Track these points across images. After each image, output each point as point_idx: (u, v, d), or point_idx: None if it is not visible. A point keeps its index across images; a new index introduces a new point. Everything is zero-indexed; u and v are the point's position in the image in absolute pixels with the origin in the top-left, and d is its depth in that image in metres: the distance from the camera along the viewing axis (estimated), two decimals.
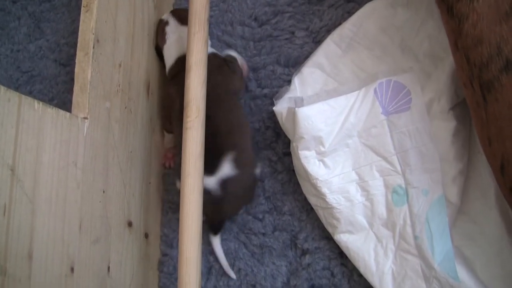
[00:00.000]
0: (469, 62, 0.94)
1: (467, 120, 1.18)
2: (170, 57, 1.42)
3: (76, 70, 1.18)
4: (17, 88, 1.80)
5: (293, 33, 1.43)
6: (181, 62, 1.31)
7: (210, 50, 1.37)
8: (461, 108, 1.17)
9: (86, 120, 1.13)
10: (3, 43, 1.89)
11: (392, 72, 1.22)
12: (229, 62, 1.40)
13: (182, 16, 1.44)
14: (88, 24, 1.19)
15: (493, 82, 0.89)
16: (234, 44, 1.49)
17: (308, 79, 1.30)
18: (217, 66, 1.35)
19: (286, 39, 1.43)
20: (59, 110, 1.05)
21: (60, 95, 1.72)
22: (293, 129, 1.20)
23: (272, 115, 1.33)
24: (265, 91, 1.41)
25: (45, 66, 1.78)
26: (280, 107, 1.26)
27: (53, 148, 1.02)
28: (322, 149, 1.18)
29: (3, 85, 1.73)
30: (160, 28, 1.47)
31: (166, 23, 1.45)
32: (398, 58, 1.25)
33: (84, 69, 1.17)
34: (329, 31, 1.36)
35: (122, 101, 1.28)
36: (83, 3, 1.22)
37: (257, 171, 1.34)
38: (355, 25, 1.29)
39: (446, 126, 1.15)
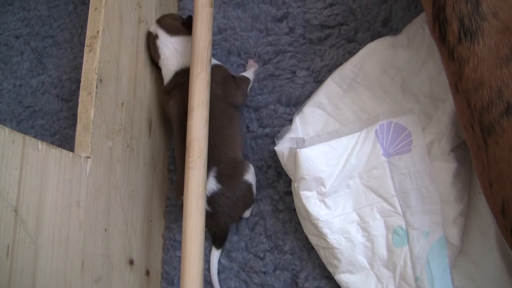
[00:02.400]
0: (469, 106, 0.94)
1: (467, 161, 1.18)
2: (167, 72, 1.41)
3: (79, 109, 1.18)
4: (19, 123, 1.81)
5: (294, 72, 1.44)
6: (180, 76, 1.35)
7: (214, 62, 1.38)
8: (461, 150, 1.17)
9: (88, 160, 1.14)
10: (5, 77, 1.90)
11: (393, 113, 1.22)
12: (238, 78, 1.42)
13: (170, 26, 1.43)
14: (91, 64, 1.20)
15: (494, 126, 0.90)
16: None
17: (309, 118, 1.31)
18: (222, 78, 1.37)
19: (288, 78, 1.44)
20: (62, 150, 1.06)
21: (62, 131, 1.73)
22: (294, 169, 1.21)
23: (274, 154, 1.33)
24: (267, 130, 1.42)
25: (47, 102, 1.79)
26: (282, 147, 1.27)
27: (56, 188, 1.03)
28: (323, 190, 1.18)
29: (6, 120, 1.76)
30: (151, 42, 1.44)
31: (156, 36, 1.42)
32: (399, 99, 1.26)
33: (87, 109, 1.17)
34: (330, 71, 1.38)
35: (124, 140, 1.29)
36: (87, 42, 1.22)
37: (248, 176, 1.33)
38: (356, 65, 1.30)
39: (446, 168, 1.15)
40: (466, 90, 0.94)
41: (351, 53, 1.37)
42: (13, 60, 1.91)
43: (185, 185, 1.17)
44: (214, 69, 1.34)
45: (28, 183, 0.95)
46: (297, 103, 1.42)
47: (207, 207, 1.26)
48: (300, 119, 1.31)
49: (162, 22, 1.45)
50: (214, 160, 1.28)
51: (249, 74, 1.46)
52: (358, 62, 1.31)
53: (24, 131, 1.78)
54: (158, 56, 1.42)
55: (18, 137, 0.94)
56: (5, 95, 1.87)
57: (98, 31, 1.22)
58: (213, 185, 1.27)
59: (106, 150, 1.21)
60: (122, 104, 1.28)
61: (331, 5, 1.45)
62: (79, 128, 1.17)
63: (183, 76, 1.34)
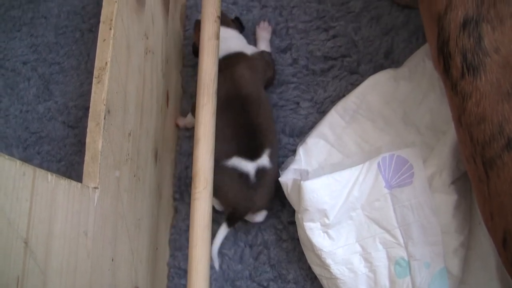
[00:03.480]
0: (472, 139, 0.95)
1: (468, 192, 1.20)
2: None
3: (87, 140, 1.19)
4: (25, 149, 1.83)
5: (298, 103, 1.47)
6: (225, 60, 1.41)
7: (238, 48, 1.45)
8: (462, 181, 1.19)
9: (96, 190, 1.15)
10: (12, 103, 1.92)
11: (395, 145, 1.24)
12: (263, 56, 1.47)
13: (221, 18, 1.46)
14: (99, 95, 1.21)
15: (495, 160, 0.90)
16: None
17: (312, 149, 1.33)
18: (263, 66, 1.45)
19: (291, 109, 1.47)
20: (71, 181, 1.07)
21: (68, 157, 1.74)
22: (298, 200, 1.23)
23: (278, 185, 1.35)
24: None
25: (54, 128, 1.81)
26: (286, 178, 1.29)
27: (64, 218, 1.04)
28: (327, 221, 1.20)
29: (12, 145, 1.77)
30: (198, 28, 1.47)
31: None
32: (400, 131, 1.27)
33: (95, 140, 1.18)
34: (333, 102, 1.40)
35: (131, 170, 1.30)
36: (95, 73, 1.23)
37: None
38: (359, 97, 1.33)
39: (447, 200, 1.17)
40: (469, 124, 0.95)
41: (354, 85, 1.40)
42: (20, 85, 1.93)
43: (191, 216, 1.19)
44: (256, 57, 1.44)
45: (38, 215, 0.96)
46: (301, 133, 1.44)
47: (254, 178, 1.32)
48: (304, 150, 1.34)
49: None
50: (268, 141, 1.35)
51: (265, 46, 1.52)
52: (360, 94, 1.33)
53: (30, 157, 1.80)
54: None
55: (29, 169, 0.95)
56: (12, 120, 1.89)
57: (106, 63, 1.23)
58: (267, 162, 1.33)
59: (114, 180, 1.22)
60: (129, 134, 1.30)
61: (333, 36, 1.48)
62: (87, 158, 1.18)
63: (226, 61, 1.41)
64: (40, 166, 1.70)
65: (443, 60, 0.99)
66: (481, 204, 0.97)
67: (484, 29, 0.93)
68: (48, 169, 1.70)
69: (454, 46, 0.96)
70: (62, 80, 1.86)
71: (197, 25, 1.50)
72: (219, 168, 1.30)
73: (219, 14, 1.34)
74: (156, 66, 1.48)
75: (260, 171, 1.32)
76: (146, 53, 1.42)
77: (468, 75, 0.94)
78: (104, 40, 1.25)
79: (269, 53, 1.51)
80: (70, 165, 1.73)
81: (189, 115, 1.55)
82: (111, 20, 1.26)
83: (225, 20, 1.49)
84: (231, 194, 1.34)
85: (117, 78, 1.26)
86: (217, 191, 1.30)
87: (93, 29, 1.88)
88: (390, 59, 1.40)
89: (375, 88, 1.32)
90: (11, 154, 1.83)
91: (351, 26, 1.46)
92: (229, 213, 1.36)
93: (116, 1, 1.27)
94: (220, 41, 1.38)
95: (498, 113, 0.91)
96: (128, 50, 1.31)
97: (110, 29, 1.25)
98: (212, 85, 1.27)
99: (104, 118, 1.19)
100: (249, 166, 1.32)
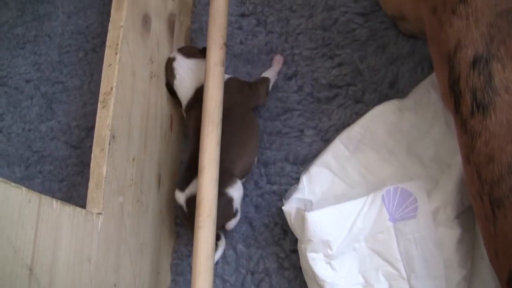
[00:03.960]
0: (480, 178, 0.94)
1: (471, 226, 1.20)
2: (186, 90, 1.48)
3: (91, 165, 1.19)
4: (27, 168, 1.83)
5: (302, 131, 1.47)
6: (199, 92, 1.40)
7: (227, 76, 1.44)
8: (466, 216, 1.19)
9: (100, 216, 1.15)
10: (15, 121, 1.92)
11: (399, 178, 1.24)
12: (254, 83, 1.49)
13: (187, 51, 1.53)
14: (104, 120, 1.21)
15: (503, 200, 0.89)
16: None
17: (316, 178, 1.33)
18: (237, 87, 1.45)
19: (295, 136, 1.46)
20: (76, 207, 1.07)
21: (70, 177, 1.74)
22: (301, 230, 1.23)
23: (281, 212, 1.34)
24: (274, 187, 1.44)
25: (56, 148, 1.81)
26: (289, 207, 1.28)
27: (69, 245, 1.04)
28: (330, 252, 1.20)
29: (14, 163, 1.77)
30: (168, 65, 1.53)
31: (173, 59, 1.52)
32: (405, 162, 1.27)
33: (100, 165, 1.19)
34: (337, 131, 1.40)
35: (135, 195, 1.30)
36: (100, 98, 1.23)
37: (231, 189, 1.35)
38: (363, 127, 1.33)
39: (451, 234, 1.16)
40: (477, 163, 0.95)
41: (358, 114, 1.40)
42: (22, 104, 1.93)
43: (194, 244, 1.19)
44: (228, 82, 1.41)
45: (43, 242, 0.96)
46: (304, 161, 1.44)
47: (185, 209, 1.34)
48: (307, 178, 1.34)
49: (182, 49, 1.56)
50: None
51: (268, 73, 1.52)
52: (365, 124, 1.33)
53: (32, 176, 1.80)
54: (174, 76, 1.49)
55: (34, 196, 0.95)
56: (14, 138, 1.90)
57: (111, 88, 1.23)
58: (194, 188, 1.30)
59: (117, 205, 1.22)
60: (133, 159, 1.30)
61: (339, 65, 1.48)
62: (91, 184, 1.18)
63: (201, 92, 1.38)
64: (42, 185, 1.72)
65: (454, 98, 0.99)
66: (486, 241, 0.97)
67: (494, 67, 0.92)
68: (50, 188, 1.71)
69: (465, 84, 0.96)
70: (65, 99, 1.86)
71: (168, 62, 1.54)
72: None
73: (225, 40, 1.35)
74: (161, 90, 1.49)
75: (190, 200, 1.33)
76: (151, 78, 1.43)
77: (478, 113, 0.93)
78: (110, 64, 1.26)
79: (264, 79, 1.51)
80: (72, 186, 1.73)
81: None
82: (117, 44, 1.27)
83: (193, 52, 1.53)
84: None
85: (122, 103, 1.26)
86: None
87: (97, 49, 1.88)
88: (395, 89, 1.40)
89: (380, 119, 1.32)
90: (13, 173, 1.83)
91: (357, 54, 1.47)
92: None
93: (122, 26, 1.28)
94: (186, 77, 1.45)
95: (507, 154, 0.90)
96: (133, 75, 1.32)
97: (116, 53, 1.26)
98: (218, 113, 1.28)
99: (109, 144, 1.20)
100: (181, 198, 1.35)
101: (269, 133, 1.50)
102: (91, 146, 1.22)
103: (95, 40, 1.90)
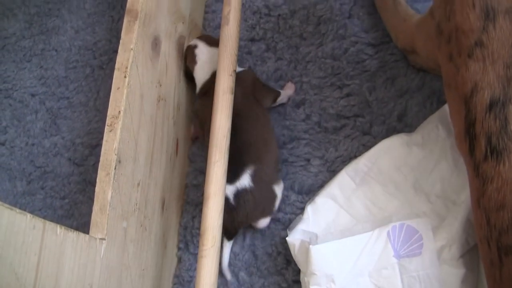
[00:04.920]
0: (489, 223, 0.93)
1: (475, 266, 1.19)
2: (203, 74, 1.53)
3: (96, 189, 1.19)
4: (29, 183, 1.82)
5: (308, 160, 1.46)
6: (211, 79, 1.46)
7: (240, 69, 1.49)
8: (470, 255, 1.18)
9: (103, 241, 1.14)
10: (18, 135, 1.91)
11: (405, 213, 1.24)
12: (268, 86, 1.54)
13: (210, 40, 1.57)
14: (111, 144, 1.21)
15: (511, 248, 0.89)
16: None
17: (321, 209, 1.32)
18: (251, 80, 1.49)
19: (302, 166, 1.46)
20: (80, 233, 1.07)
21: (72, 195, 1.74)
22: (305, 263, 1.22)
23: (284, 241, 1.34)
24: (279, 216, 1.43)
25: (59, 164, 1.80)
26: (293, 238, 1.28)
27: (71, 272, 1.03)
28: (333, 286, 1.19)
29: (16, 178, 1.77)
30: (189, 52, 1.58)
31: (195, 46, 1.57)
32: (410, 197, 1.27)
33: (105, 190, 1.18)
34: (344, 162, 1.40)
35: (138, 220, 1.30)
36: (107, 122, 1.23)
37: (277, 187, 1.40)
38: (370, 160, 1.32)
39: (455, 273, 1.16)
40: (487, 208, 0.93)
41: (365, 146, 1.40)
42: (27, 118, 1.93)
43: (197, 273, 1.18)
44: (243, 73, 1.48)
45: (45, 269, 0.96)
46: (310, 191, 1.43)
47: (232, 201, 1.33)
48: (312, 209, 1.33)
49: (203, 36, 1.63)
50: (253, 158, 1.36)
51: (281, 91, 1.54)
52: (372, 157, 1.32)
53: (34, 191, 1.79)
54: (195, 62, 1.55)
55: (39, 222, 0.95)
56: (17, 152, 1.89)
57: (119, 111, 1.23)
58: (247, 181, 1.34)
59: (121, 230, 1.22)
60: (138, 184, 1.30)
61: (347, 95, 1.47)
62: (95, 208, 1.17)
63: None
64: (43, 201, 1.71)
65: (468, 141, 0.98)
66: (490, 286, 0.96)
67: (511, 110, 0.91)
68: (51, 205, 1.71)
69: (480, 128, 0.95)
70: (70, 115, 1.86)
71: (189, 49, 1.59)
72: None
73: (235, 68, 1.35)
74: (168, 114, 1.48)
75: (240, 193, 1.34)
76: (159, 101, 1.42)
77: (491, 158, 0.92)
78: (118, 88, 1.25)
79: (276, 91, 1.53)
80: (73, 204, 1.72)
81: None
82: (126, 67, 1.27)
83: (214, 41, 1.56)
84: None
85: (129, 127, 1.26)
86: None
87: (104, 66, 1.87)
88: (403, 123, 1.40)
89: (387, 152, 1.31)
90: (15, 187, 1.83)
91: (366, 85, 1.46)
92: (224, 228, 1.36)
93: (132, 49, 1.28)
94: (210, 61, 1.48)
95: None
96: (141, 99, 1.31)
97: (125, 77, 1.26)
98: (225, 142, 1.27)
99: (115, 168, 1.19)
100: (228, 190, 1.33)
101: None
102: (94, 164, 1.22)
103: (103, 57, 1.90)
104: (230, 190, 1.34)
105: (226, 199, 1.32)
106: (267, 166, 1.38)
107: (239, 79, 1.41)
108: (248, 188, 1.34)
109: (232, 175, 1.33)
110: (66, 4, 2.03)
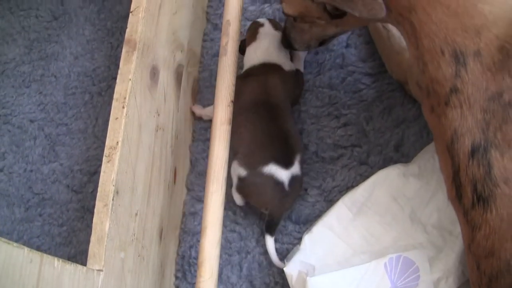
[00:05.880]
0: (479, 269, 0.94)
1: None
2: (254, 58, 1.52)
3: (94, 220, 1.18)
4: (27, 209, 1.81)
5: (305, 189, 1.46)
6: (263, 67, 1.47)
7: (278, 61, 1.50)
8: (466, 286, 1.19)
9: (101, 273, 1.14)
10: (17, 161, 1.91)
11: (402, 245, 1.24)
12: (297, 74, 1.55)
13: (276, 24, 1.56)
14: (109, 175, 1.21)
15: None
16: None
17: (318, 239, 1.33)
18: (298, 84, 1.54)
19: (299, 195, 1.46)
20: (77, 265, 1.06)
21: (70, 222, 1.74)
22: None
23: (282, 271, 1.34)
24: (276, 246, 1.42)
25: (57, 191, 1.80)
26: (291, 269, 1.28)
27: None
28: None
29: (14, 204, 1.77)
30: (253, 27, 1.56)
31: (262, 25, 1.55)
32: (407, 228, 1.27)
33: (103, 221, 1.18)
34: (341, 192, 1.41)
35: (136, 250, 1.29)
36: (105, 152, 1.22)
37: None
38: (367, 190, 1.33)
39: None
40: (477, 254, 0.94)
41: (362, 176, 1.41)
42: (25, 144, 1.93)
43: None
44: (297, 73, 1.54)
45: None
46: (307, 221, 1.44)
47: (286, 186, 1.35)
48: (309, 239, 1.33)
49: (271, 20, 1.59)
50: (298, 148, 1.41)
51: (300, 66, 1.56)
52: (369, 187, 1.33)
53: (32, 218, 1.79)
54: (254, 39, 1.54)
55: (36, 256, 0.95)
56: (15, 178, 1.89)
57: (117, 142, 1.23)
58: (297, 169, 1.38)
59: (118, 261, 1.21)
60: (136, 214, 1.30)
61: (344, 125, 1.48)
62: (93, 239, 1.17)
63: (264, 68, 1.47)
64: (41, 228, 1.71)
65: (455, 189, 0.99)
66: None
67: (493, 155, 0.91)
68: (49, 232, 1.71)
69: (465, 176, 0.95)
70: (69, 142, 1.86)
71: (254, 24, 1.58)
72: (257, 173, 1.35)
73: (232, 98, 1.36)
74: (166, 143, 1.48)
75: (293, 179, 1.36)
76: (157, 131, 1.42)
77: (478, 206, 0.93)
78: (117, 118, 1.25)
79: (301, 73, 1.56)
80: (72, 231, 1.72)
81: (209, 108, 1.58)
82: (125, 98, 1.26)
83: (280, 27, 1.55)
84: (267, 199, 1.38)
85: (127, 158, 1.26)
86: (253, 194, 1.40)
87: (103, 93, 1.88)
88: (400, 153, 1.41)
89: (384, 183, 1.32)
90: (13, 213, 1.82)
91: (363, 115, 1.47)
92: (266, 222, 1.39)
93: (130, 79, 1.28)
94: (263, 48, 1.49)
95: (506, 251, 0.89)
96: (140, 129, 1.32)
97: (123, 107, 1.25)
98: (222, 172, 1.28)
99: (113, 199, 1.19)
100: (284, 175, 1.34)
101: None
102: (92, 192, 1.22)
103: (102, 83, 1.90)
104: (286, 175, 1.35)
105: (280, 185, 1.34)
106: (304, 159, 1.43)
107: (290, 77, 1.48)
108: (299, 175, 1.38)
109: (286, 161, 1.36)
110: (65, 30, 2.04)
